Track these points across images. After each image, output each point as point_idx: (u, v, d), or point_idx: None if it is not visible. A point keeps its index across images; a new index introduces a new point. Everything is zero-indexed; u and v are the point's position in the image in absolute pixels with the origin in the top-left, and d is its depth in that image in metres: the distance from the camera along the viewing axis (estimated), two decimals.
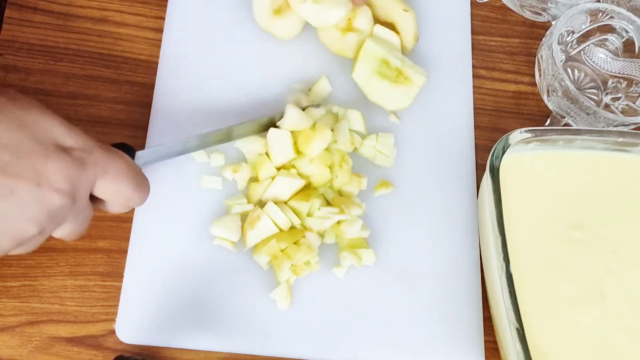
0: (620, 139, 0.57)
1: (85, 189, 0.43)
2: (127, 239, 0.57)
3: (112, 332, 0.55)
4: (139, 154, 0.51)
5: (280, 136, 0.58)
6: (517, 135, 0.55)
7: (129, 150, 0.50)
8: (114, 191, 0.45)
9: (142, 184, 0.47)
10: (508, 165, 0.55)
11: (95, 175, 0.44)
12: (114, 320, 0.55)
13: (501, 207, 0.52)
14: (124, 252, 0.57)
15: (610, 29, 0.66)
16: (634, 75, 0.66)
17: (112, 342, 0.55)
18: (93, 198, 0.46)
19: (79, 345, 0.54)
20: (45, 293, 0.55)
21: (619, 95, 0.66)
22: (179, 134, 0.60)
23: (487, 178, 0.54)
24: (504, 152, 0.54)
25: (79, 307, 0.55)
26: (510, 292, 0.49)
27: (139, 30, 0.65)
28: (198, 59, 0.64)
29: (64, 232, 0.45)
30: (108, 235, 0.58)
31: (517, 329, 0.49)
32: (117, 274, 0.56)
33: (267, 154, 0.59)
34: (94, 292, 0.56)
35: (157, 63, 0.64)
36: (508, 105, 0.68)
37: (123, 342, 0.54)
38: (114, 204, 0.47)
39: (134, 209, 0.58)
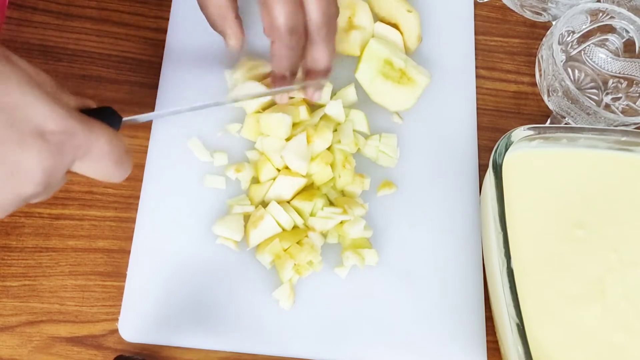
0: (624, 138, 0.57)
1: (61, 174, 0.42)
2: (128, 239, 0.57)
3: (113, 332, 0.54)
4: (125, 120, 0.48)
5: (275, 144, 0.58)
6: (520, 132, 0.55)
7: (115, 117, 0.46)
8: (93, 170, 0.44)
9: (124, 162, 0.45)
10: (511, 162, 0.55)
11: (75, 158, 0.42)
12: (114, 320, 0.55)
13: (503, 204, 0.52)
14: (124, 251, 0.57)
15: (610, 29, 0.66)
16: (634, 76, 0.66)
17: (112, 342, 0.54)
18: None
19: (79, 345, 0.54)
20: (45, 293, 0.55)
21: (620, 95, 0.67)
22: (181, 134, 0.60)
23: (489, 175, 0.54)
24: (506, 149, 0.54)
25: (79, 307, 0.55)
26: (510, 287, 0.49)
27: (138, 30, 0.65)
28: (201, 59, 0.63)
29: (34, 202, 0.44)
30: (108, 235, 0.57)
31: (517, 325, 0.49)
32: (117, 274, 0.56)
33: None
34: (94, 292, 0.56)
35: (157, 63, 0.63)
36: (508, 105, 0.68)
37: (123, 342, 0.54)
38: (92, 177, 0.46)
39: (135, 210, 0.58)
